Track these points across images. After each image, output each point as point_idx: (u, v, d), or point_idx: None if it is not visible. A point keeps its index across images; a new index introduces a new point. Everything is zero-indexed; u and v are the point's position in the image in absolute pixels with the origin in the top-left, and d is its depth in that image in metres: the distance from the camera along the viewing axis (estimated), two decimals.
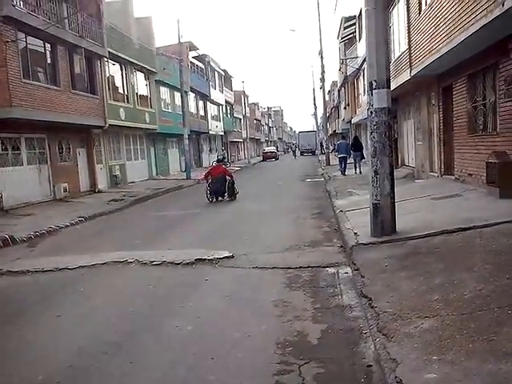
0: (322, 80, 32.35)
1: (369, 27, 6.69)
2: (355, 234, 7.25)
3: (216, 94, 42.78)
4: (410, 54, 12.53)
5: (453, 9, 8.70)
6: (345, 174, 19.93)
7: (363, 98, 25.70)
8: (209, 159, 40.55)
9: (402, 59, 13.75)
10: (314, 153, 61.32)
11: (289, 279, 5.82)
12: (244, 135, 55.96)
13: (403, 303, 4.32)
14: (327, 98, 68.66)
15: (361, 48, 24.69)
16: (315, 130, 75.19)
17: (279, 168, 35.12)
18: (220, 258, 6.80)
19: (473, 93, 10.15)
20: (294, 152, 64.46)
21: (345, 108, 36.66)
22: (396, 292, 4.66)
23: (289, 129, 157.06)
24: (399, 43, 14.42)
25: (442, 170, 12.43)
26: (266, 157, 53.92)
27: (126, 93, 23.26)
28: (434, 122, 13.20)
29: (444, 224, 6.85)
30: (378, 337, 3.80)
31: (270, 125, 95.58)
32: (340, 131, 46.34)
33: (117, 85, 22.57)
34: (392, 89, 15.46)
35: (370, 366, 3.51)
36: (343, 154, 20.97)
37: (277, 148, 75.95)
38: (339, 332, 4.16)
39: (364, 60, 23.56)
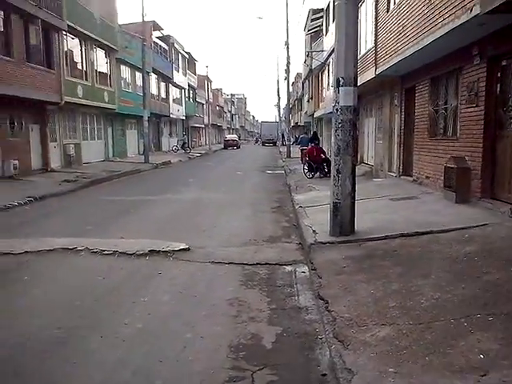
0: (287, 71, 32.24)
1: (339, 21, 6.57)
2: (314, 231, 7.19)
3: (179, 77, 41.94)
4: (376, 52, 12.57)
5: (421, 10, 8.72)
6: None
7: (327, 93, 25.80)
8: (168, 143, 39.85)
9: (368, 57, 13.78)
10: (275, 143, 61.59)
11: (245, 276, 5.68)
12: (206, 121, 55.26)
13: (360, 308, 4.26)
14: (291, 89, 68.88)
15: (327, 42, 24.72)
16: (278, 120, 75.53)
17: (240, 157, 34.86)
18: (175, 251, 6.56)
19: (435, 96, 10.27)
20: (257, 140, 65.66)
21: (308, 101, 36.74)
22: (353, 296, 4.60)
23: (251, 117, 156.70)
24: (365, 40, 14.43)
25: (401, 170, 12.60)
26: (228, 145, 53.48)
27: (84, 69, 22.35)
28: (395, 122, 13.34)
29: (402, 226, 6.89)
30: (333, 343, 3.71)
31: (233, 112, 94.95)
32: (302, 124, 46.58)
33: (75, 60, 21.63)
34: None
35: (325, 375, 3.42)
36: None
37: (239, 136, 75.68)
38: (294, 336, 4.05)
39: (330, 54, 23.63)
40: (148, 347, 3.83)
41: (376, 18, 12.59)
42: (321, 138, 28.25)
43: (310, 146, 17.03)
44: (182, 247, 6.71)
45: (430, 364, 3.17)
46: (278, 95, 57.02)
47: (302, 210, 9.49)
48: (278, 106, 63.75)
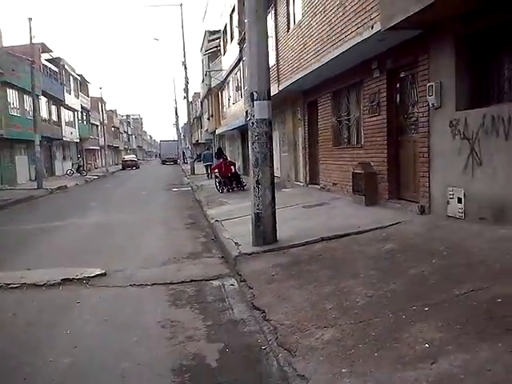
0: (186, 90, 32.13)
1: (250, 38, 6.66)
2: (236, 244, 7.11)
3: (71, 100, 40.03)
4: (278, 68, 12.96)
5: (322, 29, 9.16)
6: (210, 178, 22.79)
7: (228, 110, 26.13)
8: (62, 167, 37.67)
9: (270, 73, 14.15)
10: (176, 162, 60.98)
11: (172, 296, 5.41)
12: (101, 143, 53.10)
13: (298, 314, 4.23)
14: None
15: (225, 61, 25.12)
16: (177, 139, 74.89)
17: (141, 177, 33.89)
18: (91, 277, 6.09)
19: (337, 108, 10.81)
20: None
21: (208, 119, 36.90)
22: (288, 303, 4.57)
23: (149, 137, 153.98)
24: None
25: (308, 179, 13.03)
26: (126, 165, 51.80)
27: None
28: (299, 134, 13.81)
29: (321, 231, 7.07)
30: (279, 352, 3.63)
31: (130, 133, 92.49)
32: (203, 141, 46.64)
33: None
34: None
35: None
36: (209, 162, 24.78)
37: (136, 156, 73.80)
38: (238, 350, 3.89)
39: (229, 73, 24.05)
40: None
41: (276, 36, 13.01)
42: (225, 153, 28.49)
43: (218, 162, 16.97)
44: (97, 273, 6.25)
45: (380, 360, 3.21)
46: (176, 114, 57.02)
47: (218, 223, 9.38)
48: (177, 124, 63.36)
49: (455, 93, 6.22)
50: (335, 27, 8.41)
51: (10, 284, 5.84)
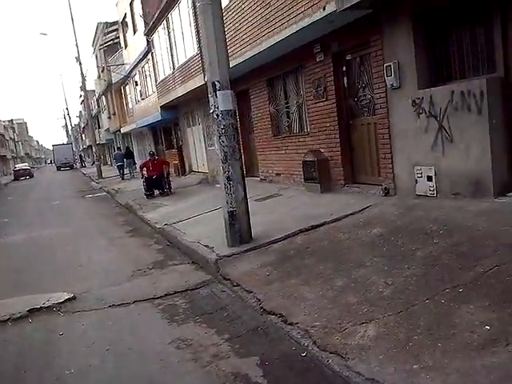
0: (84, 87, 30.04)
1: (205, 23, 6.19)
2: (207, 246, 6.71)
3: None
4: (202, 59, 12.46)
5: (258, 13, 8.88)
6: (123, 179, 23.75)
7: (136, 106, 24.93)
8: None
9: (192, 64, 13.63)
10: (72, 166, 57.19)
11: (165, 311, 4.92)
12: None
13: (323, 313, 4.02)
14: (81, 108, 64.93)
15: (127, 54, 23.85)
16: (70, 142, 70.60)
17: (41, 186, 31.21)
18: (61, 303, 5.36)
19: (274, 96, 10.64)
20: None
21: (109, 117, 34.98)
22: (304, 302, 4.33)
23: (36, 143, 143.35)
24: (184, 46, 14.25)
25: (245, 172, 12.74)
26: (19, 175, 47.54)
27: None
28: None
29: (292, 223, 6.90)
30: (327, 357, 3.40)
31: (16, 139, 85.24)
32: (103, 141, 44.30)
33: None
34: (180, 95, 15.33)
35: None
36: (120, 163, 24.76)
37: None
38: (277, 362, 3.57)
39: (135, 67, 22.88)
40: None
41: (197, 23, 12.40)
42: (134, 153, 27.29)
43: (145, 160, 15.68)
44: (66, 297, 5.52)
45: (447, 349, 3.09)
46: (68, 115, 53.16)
47: (169, 227, 8.83)
48: (70, 126, 59.54)
49: (416, 71, 6.33)
50: (276, 10, 8.14)
51: None
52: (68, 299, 5.47)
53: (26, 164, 60.08)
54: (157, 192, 14.26)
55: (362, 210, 6.75)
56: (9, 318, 4.99)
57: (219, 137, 6.22)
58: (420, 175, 6.52)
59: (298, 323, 3.98)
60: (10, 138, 77.80)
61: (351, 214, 6.66)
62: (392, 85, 6.69)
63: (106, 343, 4.23)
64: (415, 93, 6.36)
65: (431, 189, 6.36)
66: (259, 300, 4.67)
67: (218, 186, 13.74)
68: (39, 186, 31.08)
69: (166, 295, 5.40)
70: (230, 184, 6.28)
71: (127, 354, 3.97)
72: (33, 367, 3.94)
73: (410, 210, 6.15)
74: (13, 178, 48.56)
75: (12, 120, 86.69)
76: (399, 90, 6.65)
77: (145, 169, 14.31)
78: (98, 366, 3.81)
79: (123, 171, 24.35)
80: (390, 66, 6.62)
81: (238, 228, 6.34)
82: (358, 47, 7.51)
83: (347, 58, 7.94)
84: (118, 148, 28.35)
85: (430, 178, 6.35)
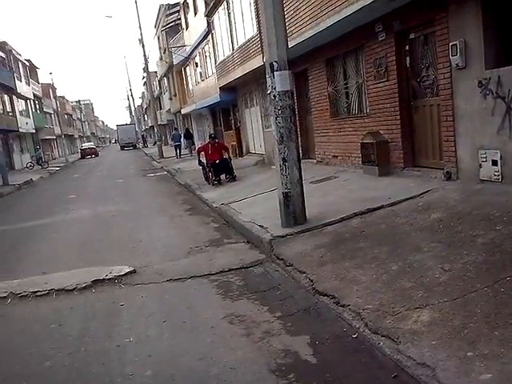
0: (146, 69, 30.90)
1: (265, 3, 6.19)
2: (261, 226, 6.79)
3: (23, 87, 37.88)
4: (261, 39, 12.41)
5: None
6: (179, 157, 25.01)
7: (196, 88, 25.32)
8: (21, 160, 35.85)
9: (251, 45, 13.64)
10: (135, 146, 59.14)
11: (219, 288, 5.07)
12: (57, 131, 50.94)
13: (377, 296, 3.99)
14: (143, 89, 66.79)
15: (189, 36, 24.17)
16: (134, 122, 72.87)
17: (106, 165, 32.63)
18: (122, 275, 5.65)
19: (333, 77, 10.47)
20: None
21: (170, 99, 35.77)
22: (357, 285, 4.32)
23: (101, 123, 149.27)
24: (243, 27, 14.25)
25: (301, 154, 12.69)
26: (86, 154, 49.99)
27: None
28: None
29: (348, 206, 6.84)
30: (378, 340, 3.39)
31: (83, 119, 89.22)
32: (164, 122, 45.42)
33: None
34: (238, 76, 15.40)
35: (396, 376, 3.07)
36: (177, 143, 25.97)
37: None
38: (328, 342, 3.60)
39: (195, 48, 23.19)
40: None
41: (256, 2, 12.36)
42: (193, 134, 27.88)
43: (205, 143, 14.93)
44: (127, 270, 5.80)
45: (505, 338, 3.00)
46: (132, 96, 54.87)
47: (225, 207, 9.01)
48: (134, 107, 61.41)
49: (484, 51, 6.02)
50: None
51: (36, 292, 5.31)
52: (129, 272, 5.75)
53: (92, 143, 62.87)
54: (223, 177, 12.80)
55: (422, 194, 6.58)
56: (75, 288, 5.33)
57: (276, 118, 6.24)
58: (484, 159, 6.24)
59: (349, 305, 3.98)
60: (77, 118, 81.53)
61: (410, 198, 6.50)
62: (457, 64, 6.40)
63: (163, 315, 4.44)
64: (482, 73, 6.06)
65: (496, 173, 6.08)
66: (312, 281, 4.70)
67: (274, 167, 13.94)
68: (103, 165, 32.50)
69: (221, 272, 5.55)
70: (285, 165, 6.30)
71: (182, 327, 4.15)
72: (96, 333, 4.20)
73: (473, 195, 5.92)
74: (79, 156, 51.05)
75: (79, 101, 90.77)
76: (465, 70, 6.35)
77: (203, 153, 12.99)
78: (155, 336, 4.01)
79: (180, 151, 25.26)
80: (456, 44, 6.32)
81: (293, 209, 6.37)
82: (422, 26, 7.22)
83: (410, 37, 7.66)
84: (175, 128, 29.87)
85: (495, 163, 6.07)
